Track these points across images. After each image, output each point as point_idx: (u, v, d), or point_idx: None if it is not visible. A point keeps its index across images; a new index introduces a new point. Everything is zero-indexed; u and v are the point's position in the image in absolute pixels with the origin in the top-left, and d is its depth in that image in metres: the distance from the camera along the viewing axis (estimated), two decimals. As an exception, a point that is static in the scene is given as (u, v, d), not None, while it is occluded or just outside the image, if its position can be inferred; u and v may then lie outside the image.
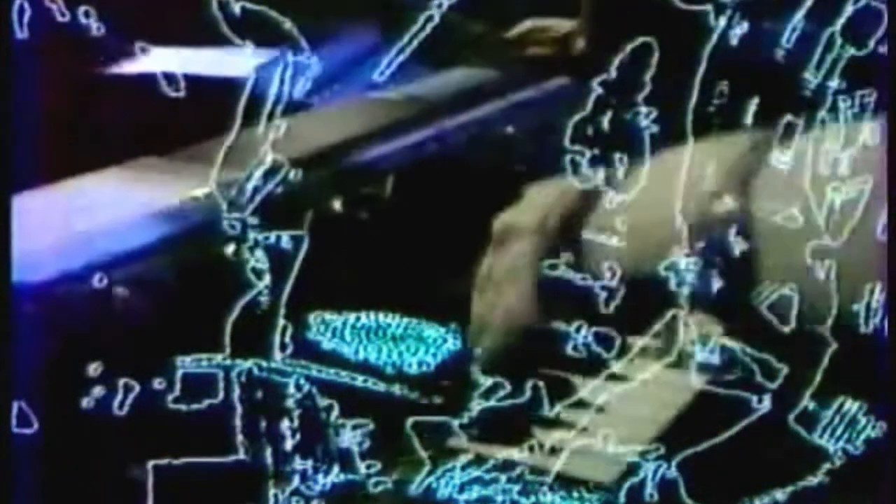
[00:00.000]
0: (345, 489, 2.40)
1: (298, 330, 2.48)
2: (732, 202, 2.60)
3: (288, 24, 2.34)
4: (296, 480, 2.38)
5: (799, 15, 2.54)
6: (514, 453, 2.55)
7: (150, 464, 2.23)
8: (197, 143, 2.36)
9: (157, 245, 2.41)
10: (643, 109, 2.53)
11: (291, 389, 2.45)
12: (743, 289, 2.63)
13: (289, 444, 2.43)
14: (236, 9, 2.28)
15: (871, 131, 2.59)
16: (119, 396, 2.26)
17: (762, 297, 2.63)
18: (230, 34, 2.29)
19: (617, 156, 2.53)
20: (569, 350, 2.54)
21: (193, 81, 2.28)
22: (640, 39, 2.51)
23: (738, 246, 2.61)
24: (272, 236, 2.38)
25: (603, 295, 2.55)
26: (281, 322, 2.43)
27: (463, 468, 2.53)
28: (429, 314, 2.65)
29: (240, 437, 2.37)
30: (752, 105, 2.57)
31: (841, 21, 2.55)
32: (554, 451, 2.56)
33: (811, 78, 2.57)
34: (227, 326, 2.36)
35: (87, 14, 2.17)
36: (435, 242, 2.77)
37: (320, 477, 2.39)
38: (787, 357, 2.63)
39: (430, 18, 2.41)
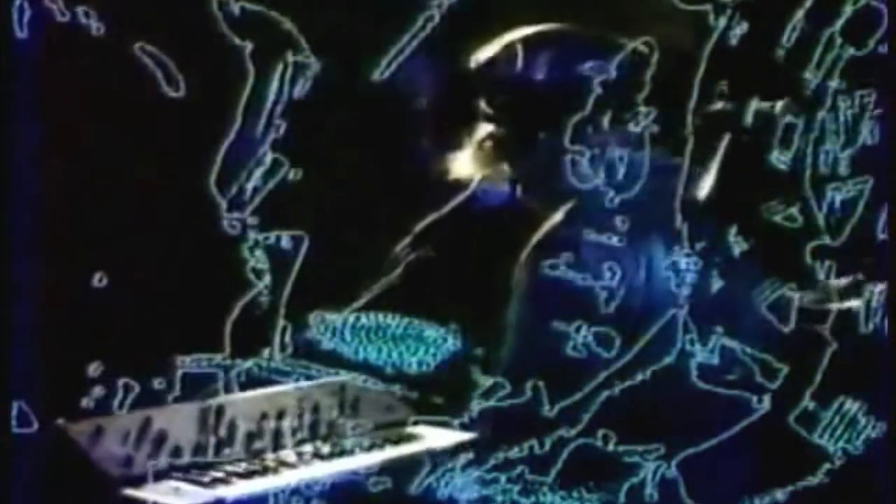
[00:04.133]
0: (345, 489, 2.40)
1: (298, 330, 2.48)
2: (733, 202, 2.61)
3: (288, 24, 2.34)
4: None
5: (799, 15, 2.54)
6: (514, 453, 2.55)
7: (150, 463, 2.24)
8: (197, 142, 2.36)
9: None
10: (643, 109, 2.53)
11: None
12: (743, 289, 2.64)
13: (289, 444, 2.44)
14: (236, 9, 2.29)
15: (870, 131, 2.60)
16: (119, 396, 2.26)
17: (762, 297, 2.63)
18: (230, 34, 2.29)
19: (617, 156, 2.54)
20: (569, 350, 2.54)
21: (194, 81, 2.28)
22: (641, 39, 2.52)
23: (738, 246, 2.62)
24: (272, 236, 2.39)
25: (603, 295, 2.55)
26: (281, 322, 2.43)
27: (463, 468, 2.53)
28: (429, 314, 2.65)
29: (240, 437, 2.38)
30: (753, 105, 2.57)
31: (841, 21, 2.55)
32: (554, 451, 2.57)
33: (811, 78, 2.57)
34: (227, 326, 2.37)
35: (87, 14, 2.17)
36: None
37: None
38: (787, 357, 2.64)
39: (430, 18, 2.42)
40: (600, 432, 2.54)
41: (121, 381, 2.26)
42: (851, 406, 2.64)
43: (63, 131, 2.26)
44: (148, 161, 2.42)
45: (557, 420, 2.54)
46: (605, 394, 2.55)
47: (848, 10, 2.54)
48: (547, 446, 2.55)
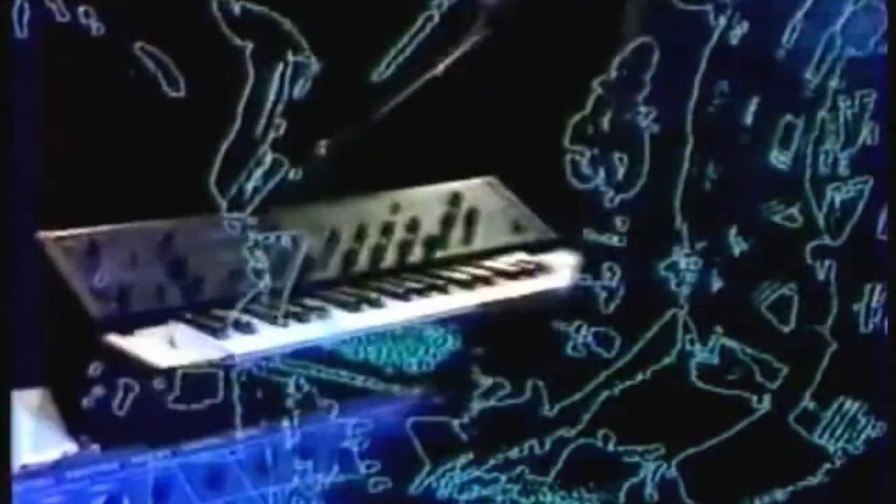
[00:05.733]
0: (345, 489, 2.40)
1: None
2: (732, 202, 2.61)
3: (288, 24, 2.34)
4: (296, 480, 2.38)
5: (799, 15, 2.54)
6: (514, 453, 2.55)
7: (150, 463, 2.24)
8: (197, 143, 2.36)
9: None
10: (643, 109, 2.53)
11: (291, 389, 2.46)
12: (743, 289, 2.64)
13: (289, 444, 2.44)
14: (236, 9, 2.29)
15: (870, 131, 2.60)
16: (119, 396, 2.26)
17: (762, 297, 2.63)
18: (230, 34, 2.29)
19: (617, 156, 2.54)
20: (569, 350, 2.55)
21: (194, 81, 2.28)
22: (640, 39, 2.51)
23: (738, 246, 2.62)
24: (272, 236, 2.39)
25: (603, 295, 2.55)
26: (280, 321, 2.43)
27: (463, 468, 2.53)
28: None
29: (240, 437, 2.37)
30: (752, 105, 2.57)
31: (841, 21, 2.55)
32: (554, 450, 2.57)
33: (811, 78, 2.57)
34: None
35: (87, 14, 2.17)
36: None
37: (320, 477, 2.39)
38: (787, 357, 2.64)
39: (429, 18, 2.42)
40: (600, 432, 2.55)
41: (121, 381, 2.26)
42: (851, 406, 2.64)
43: (63, 131, 2.26)
44: (148, 161, 2.42)
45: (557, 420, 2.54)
46: (605, 394, 2.56)
47: (848, 10, 2.54)
48: (547, 446, 2.55)
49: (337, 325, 1.87)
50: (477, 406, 2.58)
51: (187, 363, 1.73)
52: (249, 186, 2.34)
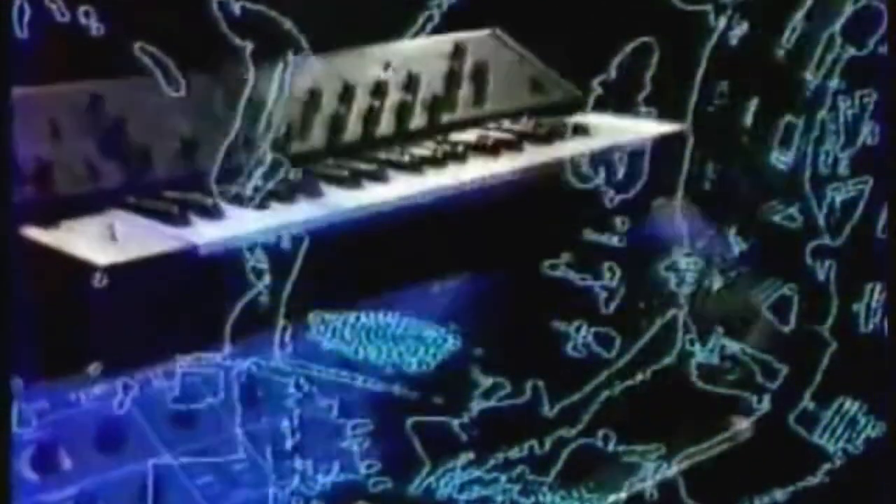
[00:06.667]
0: (345, 489, 2.40)
1: (298, 330, 2.48)
2: (731, 201, 2.61)
3: (288, 24, 2.34)
4: (296, 480, 2.37)
5: (799, 15, 2.54)
6: (515, 453, 2.55)
7: (150, 462, 2.23)
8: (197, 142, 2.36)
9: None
10: (643, 109, 2.53)
11: (291, 389, 2.46)
12: (743, 289, 2.64)
13: (289, 444, 2.43)
14: (236, 9, 2.29)
15: (871, 131, 2.60)
16: (119, 396, 2.26)
17: (762, 297, 2.64)
18: (230, 34, 2.29)
19: (617, 156, 2.54)
20: (569, 350, 2.55)
21: (194, 81, 2.28)
22: (640, 39, 2.52)
23: (738, 246, 2.62)
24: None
25: (603, 295, 2.55)
26: (281, 322, 2.43)
27: (463, 468, 2.53)
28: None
29: (240, 437, 2.37)
30: (752, 105, 2.58)
31: (841, 21, 2.55)
32: (554, 450, 2.57)
33: (811, 78, 2.57)
34: (227, 326, 2.37)
35: (87, 14, 2.17)
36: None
37: (320, 477, 2.39)
38: (787, 357, 2.64)
39: (429, 18, 2.42)
40: (600, 432, 2.55)
41: (121, 381, 2.26)
42: (851, 406, 2.65)
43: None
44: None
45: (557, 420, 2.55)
46: (605, 393, 2.56)
47: (848, 10, 2.54)
48: (547, 446, 2.55)
49: (331, 204, 1.49)
50: (477, 406, 2.58)
51: (136, 258, 1.30)
52: (249, 186, 2.34)
